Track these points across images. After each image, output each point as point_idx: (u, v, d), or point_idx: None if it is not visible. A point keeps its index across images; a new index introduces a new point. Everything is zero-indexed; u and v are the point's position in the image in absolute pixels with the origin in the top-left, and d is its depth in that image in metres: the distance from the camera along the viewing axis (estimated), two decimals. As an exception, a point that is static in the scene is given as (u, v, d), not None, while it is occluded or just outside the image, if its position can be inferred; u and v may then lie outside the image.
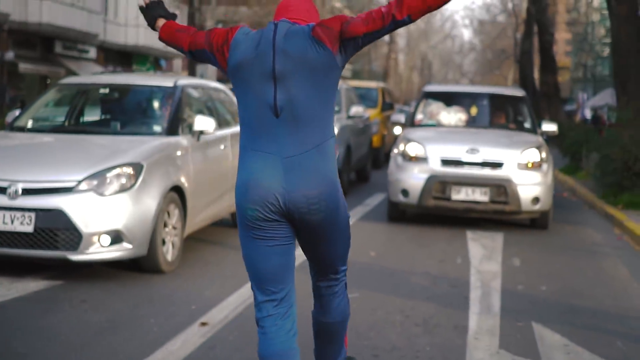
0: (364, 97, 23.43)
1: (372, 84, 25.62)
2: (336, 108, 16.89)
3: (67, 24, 34.41)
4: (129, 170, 8.08)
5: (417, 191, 11.79)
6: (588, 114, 53.51)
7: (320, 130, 4.02)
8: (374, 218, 12.79)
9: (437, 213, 12.20)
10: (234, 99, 11.72)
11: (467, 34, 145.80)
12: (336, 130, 15.55)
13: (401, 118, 14.45)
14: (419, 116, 13.60)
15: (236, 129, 11.09)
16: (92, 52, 39.82)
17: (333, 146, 4.10)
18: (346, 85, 18.68)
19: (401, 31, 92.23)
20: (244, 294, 7.63)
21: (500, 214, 11.87)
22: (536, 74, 47.02)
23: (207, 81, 11.15)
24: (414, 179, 11.85)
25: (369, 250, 10.13)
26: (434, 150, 11.95)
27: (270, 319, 4.18)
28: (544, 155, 12.03)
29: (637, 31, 20.70)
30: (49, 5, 33.09)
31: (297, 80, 3.96)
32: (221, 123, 10.54)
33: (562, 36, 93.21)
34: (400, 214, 12.45)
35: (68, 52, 37.44)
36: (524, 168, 11.81)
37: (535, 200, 11.73)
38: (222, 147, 10.25)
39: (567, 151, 23.18)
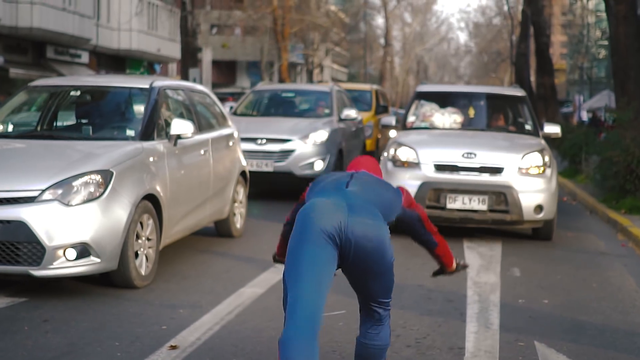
0: (357, 99, 22.85)
1: (365, 87, 25.02)
2: (327, 111, 16.31)
3: (58, 29, 33.79)
4: (97, 178, 7.47)
5: None
6: (584, 116, 53.10)
7: None
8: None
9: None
10: (217, 101, 11.16)
11: (462, 37, 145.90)
12: (326, 134, 14.97)
13: (392, 121, 13.31)
14: (411, 118, 12.72)
15: (219, 132, 10.50)
16: (85, 57, 39.18)
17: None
18: (338, 87, 18.09)
19: (397, 34, 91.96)
20: (221, 312, 7.03)
21: (500, 224, 10.97)
22: (532, 76, 46.49)
23: (188, 83, 10.53)
24: (406, 186, 10.79)
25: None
26: (427, 155, 11.02)
27: None
28: (547, 159, 11.15)
29: (636, 31, 20.27)
30: (40, 10, 32.45)
31: None
32: (202, 127, 9.94)
33: (557, 38, 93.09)
34: (392, 224, 11.32)
35: (60, 57, 36.82)
36: (525, 174, 10.93)
37: (539, 208, 10.82)
38: (202, 152, 9.64)
39: (565, 154, 22.58)
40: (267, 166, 14.52)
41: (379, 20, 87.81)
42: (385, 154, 11.58)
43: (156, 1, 45.80)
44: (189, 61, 33.99)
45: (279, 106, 16.93)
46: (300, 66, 68.21)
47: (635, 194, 14.27)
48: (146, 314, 6.93)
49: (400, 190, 5.05)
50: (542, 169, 11.02)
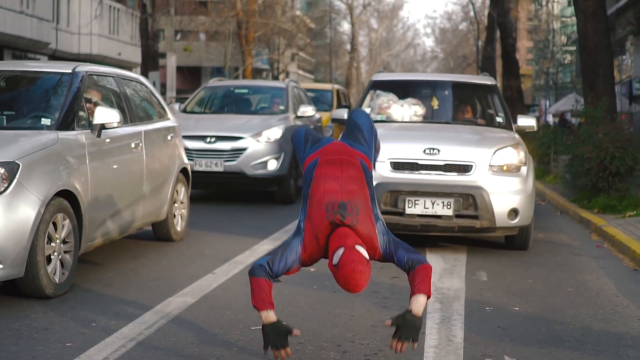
0: (318, 99, 21.99)
1: (326, 86, 24.16)
2: (282, 107, 15.35)
3: (16, 32, 32.59)
4: (1, 171, 6.45)
5: None
6: (551, 119, 52.85)
7: None
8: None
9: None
10: (156, 92, 10.17)
11: (429, 42, 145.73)
12: (280, 132, 14.01)
13: (343, 114, 11.40)
14: (366, 111, 11.20)
15: (155, 125, 9.51)
16: (44, 61, 37.97)
17: None
18: (294, 83, 17.12)
19: (363, 40, 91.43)
20: (140, 325, 6.03)
21: (468, 232, 9.39)
22: (499, 80, 45.86)
23: (120, 70, 9.50)
24: None
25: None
26: (383, 152, 9.00)
27: None
28: (522, 155, 9.62)
29: (604, 27, 19.61)
30: (-3, 13, 31.26)
31: None
32: (134, 118, 8.94)
33: (523, 44, 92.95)
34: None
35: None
36: (498, 172, 9.40)
37: (513, 213, 9.32)
38: (133, 145, 8.63)
39: (534, 154, 21.75)
40: (217, 166, 13.53)
41: (345, 26, 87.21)
42: None
43: (117, 4, 44.70)
44: (150, 65, 33.07)
45: (231, 103, 15.95)
46: (266, 72, 67.30)
47: (608, 192, 13.41)
48: (52, 329, 5.90)
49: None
50: (517, 166, 9.54)
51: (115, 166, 8.13)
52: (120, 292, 7.17)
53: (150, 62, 33.64)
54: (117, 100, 8.72)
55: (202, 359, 5.34)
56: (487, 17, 45.75)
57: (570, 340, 6.00)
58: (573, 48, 75.51)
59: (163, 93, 42.46)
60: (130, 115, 8.81)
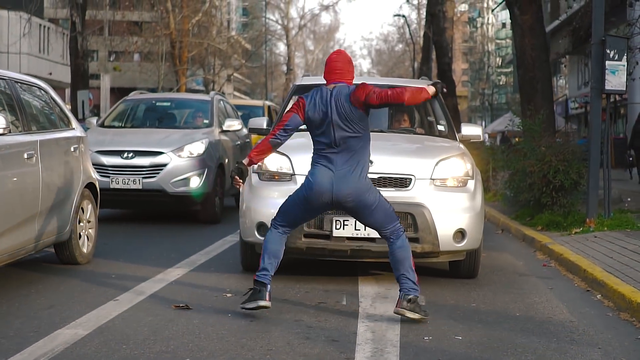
0: (249, 116, 21.01)
1: (257, 102, 23.31)
2: (206, 121, 14.38)
3: (-61, 50, 31.32)
4: None
5: None
6: (487, 139, 52.79)
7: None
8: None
9: (313, 257, 8.15)
10: (59, 100, 9.16)
11: (365, 64, 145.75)
12: (203, 146, 13.05)
13: (262, 122, 10.25)
14: None
15: (55, 135, 8.50)
16: None
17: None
18: (220, 96, 16.16)
19: (299, 61, 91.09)
20: (13, 364, 5.03)
21: None
22: (435, 100, 45.68)
23: (16, 74, 8.47)
24: (276, 207, 7.00)
25: (224, 289, 7.61)
26: (304, 163, 7.40)
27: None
28: (469, 167, 8.32)
29: (542, 42, 19.13)
30: None
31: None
32: (29, 126, 7.92)
33: (459, 66, 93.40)
34: (259, 259, 6.88)
35: (-57, 81, 34.17)
36: (441, 187, 8.12)
37: (460, 234, 8.01)
38: (25, 156, 7.60)
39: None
40: (135, 183, 12.51)
41: (281, 47, 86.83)
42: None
43: (47, 23, 43.48)
44: (79, 84, 32.05)
45: (153, 117, 14.93)
46: (201, 93, 66.39)
47: (552, 207, 12.66)
48: None
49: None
50: (463, 180, 8.25)
51: (2, 179, 7.10)
52: (2, 323, 6.14)
53: (80, 81, 32.63)
54: (8, 104, 7.70)
55: None
56: (423, 37, 45.47)
57: (523, 375, 5.13)
58: (508, 70, 76.01)
59: (97, 114, 41.27)
60: (23, 122, 7.79)
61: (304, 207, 6.62)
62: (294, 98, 9.91)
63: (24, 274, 8.22)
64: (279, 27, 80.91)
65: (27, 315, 6.44)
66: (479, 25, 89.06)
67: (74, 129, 9.16)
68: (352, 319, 6.54)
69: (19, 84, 8.16)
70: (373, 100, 6.39)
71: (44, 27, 42.67)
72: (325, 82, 6.72)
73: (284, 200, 6.97)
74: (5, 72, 8.10)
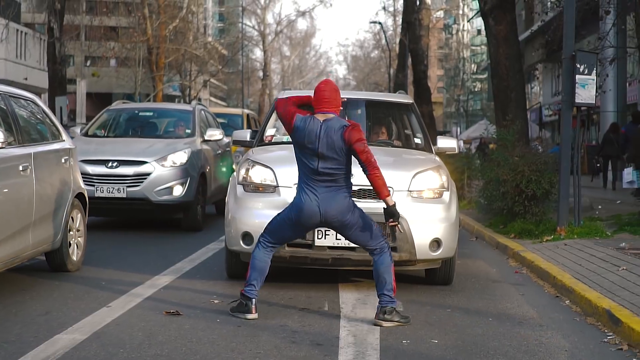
0: (228, 125, 21.38)
1: (236, 111, 23.65)
2: (188, 130, 14.73)
3: None
4: None
5: None
6: (462, 146, 53.14)
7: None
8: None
9: (296, 266, 8.56)
10: (50, 113, 9.48)
11: (341, 70, 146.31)
12: (186, 156, 13.40)
13: (246, 135, 10.51)
14: (270, 131, 10.07)
15: (47, 147, 8.83)
16: None
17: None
18: (202, 106, 16.52)
19: (275, 67, 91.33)
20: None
21: None
22: (411, 106, 45.98)
23: (10, 88, 8.79)
24: (260, 217, 8.05)
25: (212, 295, 7.97)
26: (288, 176, 8.24)
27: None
28: (444, 179, 8.76)
29: (516, 52, 19.58)
30: None
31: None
32: (23, 139, 8.25)
33: (434, 72, 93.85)
34: (244, 267, 7.93)
35: None
36: (418, 198, 8.53)
37: (435, 244, 8.41)
38: (20, 168, 7.94)
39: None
40: (119, 192, 12.83)
41: (258, 53, 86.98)
42: (235, 175, 8.96)
43: (24, 28, 43.52)
44: (57, 90, 32.12)
45: (136, 126, 15.26)
46: (177, 98, 66.44)
47: (524, 216, 13.09)
48: None
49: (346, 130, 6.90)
50: (439, 191, 8.67)
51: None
52: (1, 329, 6.47)
53: (58, 87, 32.66)
54: (3, 118, 8.02)
55: None
56: (399, 44, 45.82)
57: (494, 376, 5.54)
58: (483, 76, 76.56)
59: (72, 119, 41.38)
60: (18, 135, 8.12)
61: (294, 228, 7.06)
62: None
63: (14, 282, 8.54)
64: (256, 32, 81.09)
65: (25, 321, 6.77)
66: (454, 32, 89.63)
67: (64, 140, 9.49)
68: (334, 324, 6.92)
69: (13, 98, 8.50)
70: (360, 152, 6.83)
71: (21, 32, 42.69)
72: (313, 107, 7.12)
73: (268, 210, 7.55)
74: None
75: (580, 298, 8.00)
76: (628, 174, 18.19)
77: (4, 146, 7.38)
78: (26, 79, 43.60)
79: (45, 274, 9.07)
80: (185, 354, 5.81)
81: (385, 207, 6.93)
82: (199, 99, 66.65)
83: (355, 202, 7.27)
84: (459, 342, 6.45)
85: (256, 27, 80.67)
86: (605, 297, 7.68)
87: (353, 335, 6.54)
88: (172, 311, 7.20)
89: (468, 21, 75.30)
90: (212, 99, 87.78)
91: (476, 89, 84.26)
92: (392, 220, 6.94)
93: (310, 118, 7.00)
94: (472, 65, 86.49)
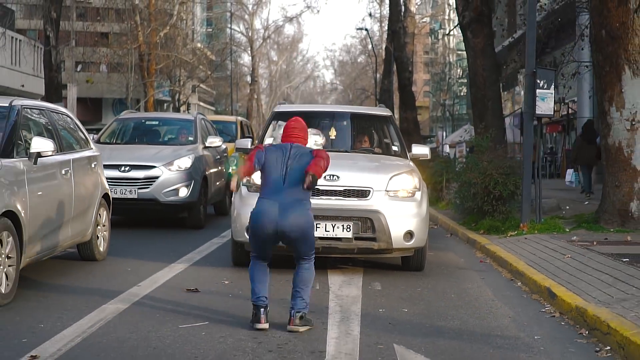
0: (221, 131, 22.88)
1: (230, 118, 25.20)
2: (190, 138, 16.30)
3: None
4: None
5: None
6: (448, 149, 54.32)
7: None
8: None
9: (290, 254, 9.69)
10: (80, 124, 11.07)
11: (328, 75, 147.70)
12: (190, 161, 14.96)
13: (247, 143, 12.16)
14: (268, 140, 11.52)
15: (81, 154, 10.42)
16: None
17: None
18: (202, 115, 18.14)
19: (263, 72, 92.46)
20: (83, 325, 6.97)
21: (366, 253, 10.17)
22: (396, 113, 47.44)
23: (50, 104, 10.42)
24: None
25: (222, 278, 9.58)
26: None
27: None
28: (416, 181, 10.45)
29: (493, 63, 21.06)
30: None
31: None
32: (63, 147, 9.84)
33: (420, 77, 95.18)
34: (247, 256, 9.17)
35: None
36: (394, 197, 10.17)
37: (409, 235, 10.03)
38: (63, 172, 9.54)
39: (428, 182, 23.06)
40: (131, 193, 14.42)
41: (246, 58, 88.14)
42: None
43: (19, 36, 44.79)
44: (53, 96, 33.39)
45: (142, 134, 16.86)
46: (167, 103, 67.74)
47: (493, 214, 14.74)
48: (5, 329, 6.80)
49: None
50: (411, 191, 10.34)
51: (49, 190, 9.02)
52: (58, 301, 8.06)
53: (54, 93, 33.92)
54: (48, 131, 9.61)
55: (139, 350, 6.29)
56: (385, 50, 47.27)
57: (449, 333, 7.16)
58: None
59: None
60: (59, 144, 9.70)
61: (256, 240, 7.32)
62: (274, 123, 12.01)
63: (54, 268, 10.11)
64: (244, 38, 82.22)
65: (74, 295, 8.35)
66: (440, 36, 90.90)
67: (92, 148, 11.09)
68: (324, 297, 8.54)
69: (53, 112, 10.09)
70: (316, 153, 7.31)
71: (16, 39, 43.94)
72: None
73: None
74: (41, 104, 10.09)
75: (529, 280, 9.64)
76: (569, 174, 21.26)
77: (53, 154, 8.95)
78: (23, 85, 44.81)
79: (77, 262, 10.63)
80: (210, 319, 7.38)
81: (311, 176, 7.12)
82: (188, 104, 68.03)
83: (342, 201, 8.92)
84: (424, 311, 8.08)
85: (244, 32, 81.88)
86: (548, 279, 9.32)
87: (340, 306, 8.15)
88: (192, 289, 8.79)
89: (447, 34, 76.61)
90: (201, 103, 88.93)
91: (462, 93, 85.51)
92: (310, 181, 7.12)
93: (279, 147, 7.45)
94: (458, 70, 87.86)
